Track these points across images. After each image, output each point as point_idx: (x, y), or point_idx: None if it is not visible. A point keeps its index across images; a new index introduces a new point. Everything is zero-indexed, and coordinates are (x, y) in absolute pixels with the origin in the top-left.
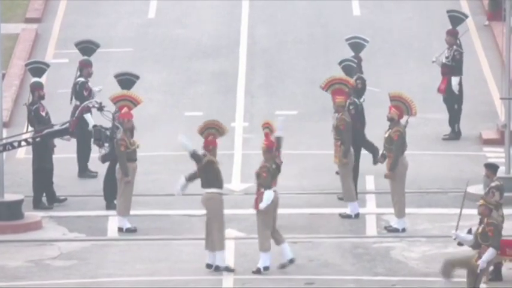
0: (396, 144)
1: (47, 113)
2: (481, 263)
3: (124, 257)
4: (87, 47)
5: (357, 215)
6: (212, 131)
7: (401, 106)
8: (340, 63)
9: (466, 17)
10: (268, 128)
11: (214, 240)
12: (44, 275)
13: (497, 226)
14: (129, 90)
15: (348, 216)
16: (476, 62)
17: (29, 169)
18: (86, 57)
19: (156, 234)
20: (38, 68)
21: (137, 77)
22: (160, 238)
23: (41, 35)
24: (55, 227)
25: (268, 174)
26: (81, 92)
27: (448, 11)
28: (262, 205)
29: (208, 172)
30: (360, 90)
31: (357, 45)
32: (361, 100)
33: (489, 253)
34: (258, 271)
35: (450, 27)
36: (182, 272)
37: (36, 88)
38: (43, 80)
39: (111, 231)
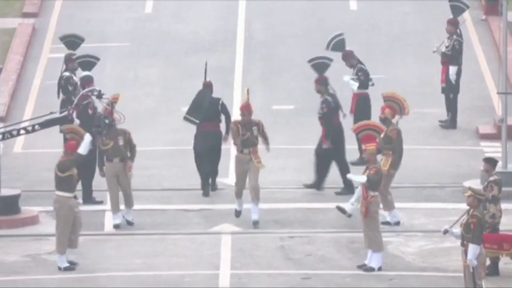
0: (396, 142)
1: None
2: (469, 262)
3: (120, 252)
4: (71, 41)
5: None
6: None
7: (394, 106)
8: (309, 61)
9: (467, 7)
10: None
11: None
12: (40, 269)
13: (480, 220)
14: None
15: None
16: (473, 56)
17: (25, 164)
18: (70, 51)
19: (153, 228)
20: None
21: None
22: (156, 233)
23: (38, 30)
24: (52, 222)
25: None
26: (66, 87)
27: (450, 0)
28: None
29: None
30: (363, 81)
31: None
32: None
33: (471, 250)
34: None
35: (450, 17)
36: (178, 267)
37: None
38: (40, 73)
39: (108, 226)
